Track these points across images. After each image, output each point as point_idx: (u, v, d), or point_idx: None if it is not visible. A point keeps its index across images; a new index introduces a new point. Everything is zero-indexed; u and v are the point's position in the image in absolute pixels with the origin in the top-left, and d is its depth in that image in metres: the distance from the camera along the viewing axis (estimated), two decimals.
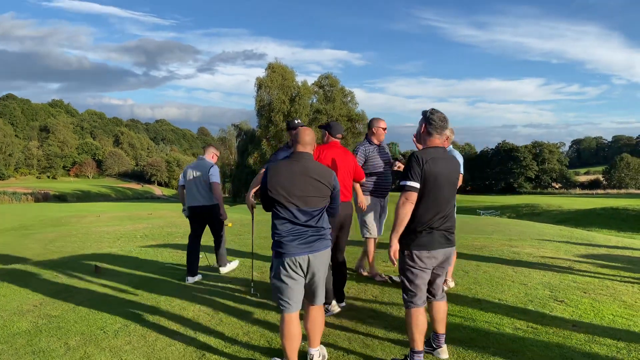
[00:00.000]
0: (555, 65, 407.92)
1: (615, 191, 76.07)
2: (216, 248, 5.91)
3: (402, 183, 3.02)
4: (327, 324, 3.32)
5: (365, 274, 5.39)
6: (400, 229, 3.00)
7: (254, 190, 4.19)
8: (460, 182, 3.85)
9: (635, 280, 5.17)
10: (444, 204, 3.07)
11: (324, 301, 3.19)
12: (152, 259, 7.20)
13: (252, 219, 4.78)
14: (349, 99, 53.63)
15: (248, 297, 4.76)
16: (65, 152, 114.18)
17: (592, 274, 5.45)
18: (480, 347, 3.41)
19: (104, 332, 3.94)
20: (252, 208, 4.36)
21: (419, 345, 3.08)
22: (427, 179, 2.98)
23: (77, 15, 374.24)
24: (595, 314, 4.06)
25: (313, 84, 53.54)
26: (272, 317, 4.15)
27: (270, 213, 3.10)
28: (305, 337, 3.23)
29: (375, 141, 5.01)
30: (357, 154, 4.91)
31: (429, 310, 3.29)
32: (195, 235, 5.74)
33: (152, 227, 14.38)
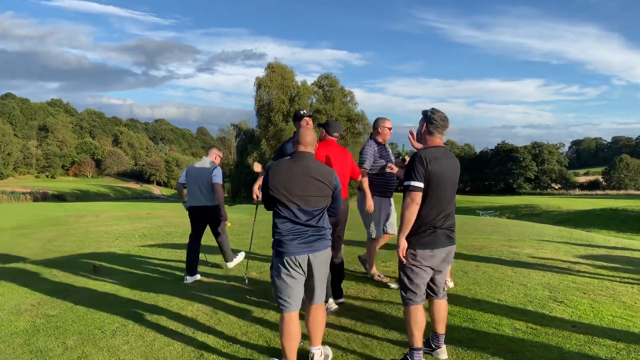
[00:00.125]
0: (555, 66, 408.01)
1: (614, 192, 76.11)
2: (220, 247, 5.97)
3: (406, 183, 3.02)
4: (326, 324, 3.32)
5: (385, 279, 5.23)
6: (407, 229, 3.02)
7: (259, 183, 4.26)
8: None
9: (635, 281, 5.16)
10: (446, 203, 3.09)
11: (324, 300, 3.19)
12: (151, 258, 7.19)
13: (255, 214, 4.76)
14: (348, 99, 53.58)
15: (247, 296, 4.75)
16: (64, 151, 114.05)
17: (592, 275, 5.45)
18: (479, 347, 3.40)
19: (102, 331, 3.93)
20: (256, 199, 4.38)
21: (418, 342, 3.08)
22: (431, 178, 2.99)
23: (77, 14, 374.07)
24: (595, 314, 4.06)
25: (313, 84, 53.51)
26: (270, 317, 4.14)
27: (271, 212, 3.12)
28: (305, 337, 3.22)
29: (381, 141, 5.02)
30: (364, 153, 4.90)
31: (430, 309, 3.29)
32: (195, 235, 5.76)
33: (150, 227, 14.36)
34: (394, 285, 4.87)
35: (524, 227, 12.33)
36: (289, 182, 2.97)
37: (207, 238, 6.04)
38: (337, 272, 4.30)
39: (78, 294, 5.13)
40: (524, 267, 5.85)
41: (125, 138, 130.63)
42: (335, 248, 4.29)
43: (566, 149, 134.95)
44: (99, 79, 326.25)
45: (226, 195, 60.04)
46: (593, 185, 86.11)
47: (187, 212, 5.80)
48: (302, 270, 3.01)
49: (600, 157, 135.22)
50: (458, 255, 6.16)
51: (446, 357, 3.26)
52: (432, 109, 3.15)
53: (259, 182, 4.25)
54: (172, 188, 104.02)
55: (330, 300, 4.17)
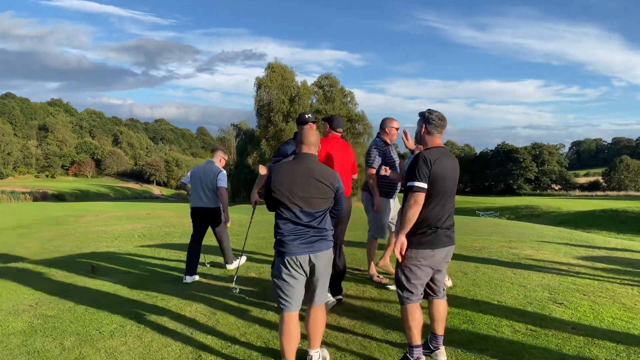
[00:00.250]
0: (555, 66, 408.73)
1: (614, 193, 76.11)
2: (220, 247, 6.06)
3: (410, 184, 3.01)
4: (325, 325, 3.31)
5: (384, 280, 5.20)
6: (408, 229, 3.02)
7: (258, 188, 4.20)
8: None
9: (635, 283, 5.14)
10: (448, 203, 3.11)
11: (324, 302, 3.18)
12: (150, 258, 7.17)
13: (252, 216, 4.76)
14: (348, 99, 53.52)
15: (246, 297, 4.73)
16: (64, 151, 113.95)
17: (592, 276, 5.43)
18: (478, 349, 3.39)
19: (100, 332, 3.91)
20: (255, 204, 4.34)
21: (417, 339, 3.07)
22: (435, 179, 3.00)
23: (77, 14, 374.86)
24: (595, 316, 4.04)
25: (313, 84, 53.44)
26: (269, 318, 4.13)
27: (270, 212, 3.12)
28: (305, 337, 3.21)
29: (388, 141, 5.01)
30: (372, 153, 4.90)
31: (430, 309, 3.28)
32: (197, 235, 5.83)
33: (150, 227, 14.33)
34: (392, 287, 4.85)
35: (523, 228, 12.31)
36: (291, 184, 2.98)
37: (207, 238, 6.03)
38: (338, 271, 4.29)
39: (76, 294, 5.11)
40: (524, 268, 5.83)
41: (125, 138, 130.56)
42: (336, 247, 4.28)
43: (566, 149, 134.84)
44: (99, 78, 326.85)
45: None
46: (593, 186, 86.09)
47: (186, 213, 5.82)
48: (303, 270, 3.01)
49: (601, 158, 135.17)
50: (458, 257, 6.15)
51: (445, 358, 3.24)
52: (429, 109, 3.17)
53: (258, 187, 4.20)
54: (171, 188, 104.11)
55: (328, 294, 4.15)
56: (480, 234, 9.83)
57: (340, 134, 4.45)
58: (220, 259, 6.47)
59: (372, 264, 5.32)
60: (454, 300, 4.39)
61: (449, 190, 3.10)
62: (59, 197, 66.69)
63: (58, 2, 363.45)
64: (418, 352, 3.08)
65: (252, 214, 4.69)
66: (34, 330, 4.04)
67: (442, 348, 3.27)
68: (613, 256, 7.05)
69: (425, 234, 3.04)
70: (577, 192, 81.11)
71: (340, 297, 4.40)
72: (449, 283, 4.90)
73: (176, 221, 15.54)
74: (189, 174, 5.97)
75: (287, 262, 2.99)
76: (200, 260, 5.92)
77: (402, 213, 3.04)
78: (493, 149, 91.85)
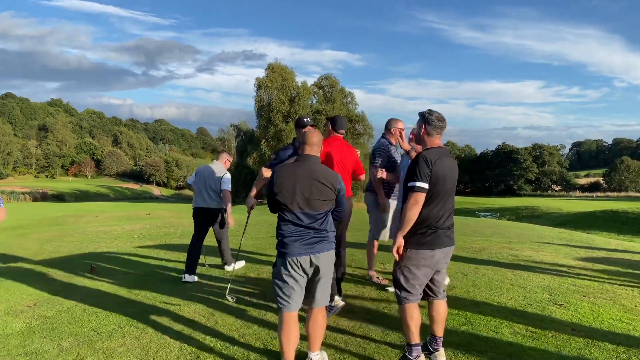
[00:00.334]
0: (555, 67, 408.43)
1: (615, 194, 76.13)
2: (219, 248, 6.11)
3: (411, 184, 3.01)
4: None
5: (383, 281, 5.18)
6: (407, 229, 3.02)
7: (255, 191, 4.17)
8: None
9: (635, 284, 5.13)
10: (448, 204, 3.11)
11: (326, 303, 3.18)
12: (149, 259, 7.16)
13: (247, 220, 4.74)
14: (348, 99, 53.47)
15: (245, 298, 4.72)
16: (63, 151, 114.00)
17: (592, 278, 5.42)
18: (478, 351, 3.38)
19: (98, 333, 3.89)
20: (250, 209, 4.31)
21: (416, 338, 3.06)
22: (436, 179, 3.00)
23: (77, 14, 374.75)
24: (595, 317, 4.03)
25: (313, 84, 53.37)
26: (268, 319, 4.11)
27: (270, 212, 3.14)
28: (305, 339, 3.19)
29: (393, 141, 5.02)
30: (376, 154, 4.91)
31: (429, 310, 3.27)
32: (198, 235, 5.86)
33: (149, 228, 14.34)
34: (391, 289, 4.84)
35: (524, 229, 12.30)
36: (293, 186, 2.98)
37: (207, 239, 6.03)
38: (338, 270, 4.28)
39: (75, 295, 5.09)
40: (524, 269, 5.82)
41: (125, 138, 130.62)
42: (336, 247, 4.27)
43: (567, 150, 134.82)
44: (99, 79, 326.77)
45: None
46: (593, 187, 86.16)
47: (186, 213, 5.83)
48: (304, 271, 3.02)
49: (601, 159, 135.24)
50: (457, 258, 6.13)
51: None
52: (429, 110, 3.17)
53: (257, 188, 4.18)
54: (171, 188, 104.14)
55: (337, 297, 4.14)
56: (480, 234, 9.82)
57: (342, 135, 4.44)
58: (219, 260, 6.45)
59: (373, 264, 5.31)
60: (453, 302, 4.37)
61: (449, 191, 3.10)
62: (59, 197, 66.72)
63: (58, 2, 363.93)
64: (417, 350, 3.07)
65: (247, 219, 4.66)
66: (32, 331, 4.02)
67: (442, 350, 3.25)
68: (613, 257, 7.04)
69: (425, 234, 3.04)
70: (578, 193, 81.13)
71: (341, 299, 4.38)
72: (447, 280, 4.88)
73: (176, 222, 15.55)
74: (194, 174, 6.02)
75: (287, 263, 3.00)
76: (200, 261, 5.91)
77: (402, 213, 3.04)
78: (493, 149, 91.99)
